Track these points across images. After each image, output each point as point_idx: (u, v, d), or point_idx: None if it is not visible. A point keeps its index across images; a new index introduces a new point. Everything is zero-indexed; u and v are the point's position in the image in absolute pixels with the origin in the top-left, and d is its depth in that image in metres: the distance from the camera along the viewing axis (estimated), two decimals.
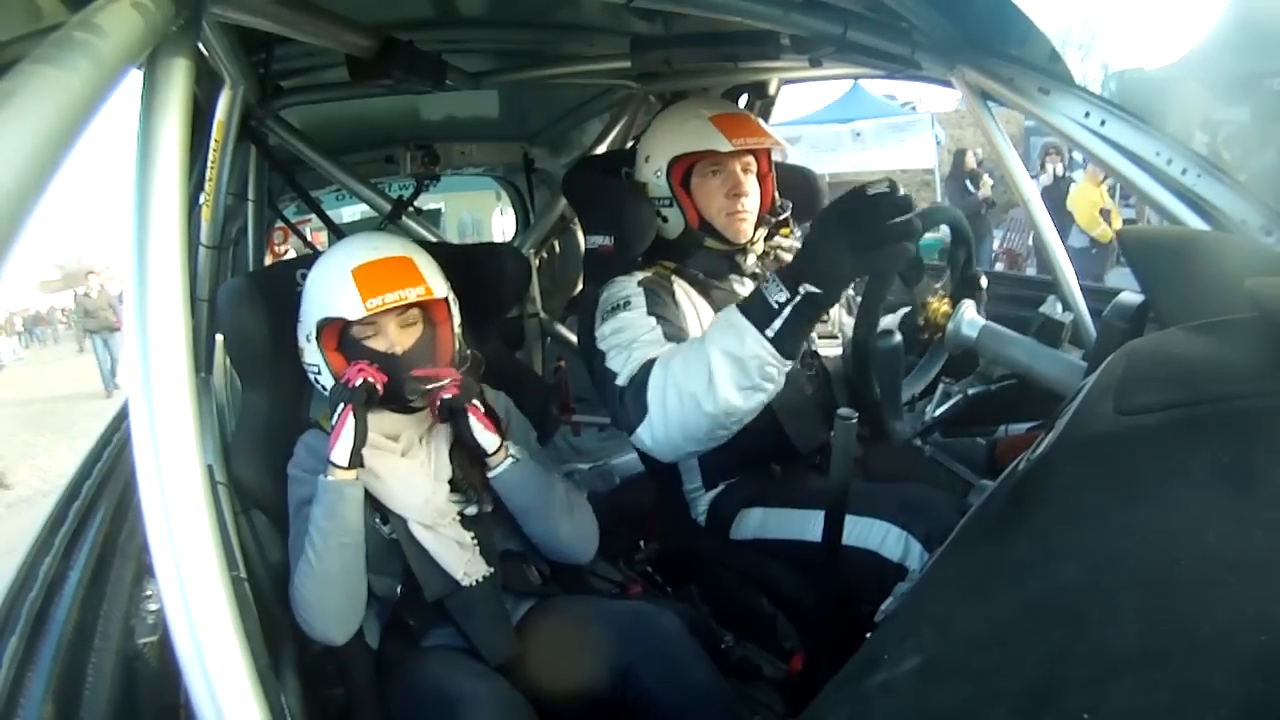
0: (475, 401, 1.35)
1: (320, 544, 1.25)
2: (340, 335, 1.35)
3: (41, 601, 1.01)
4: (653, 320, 1.42)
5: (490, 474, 1.37)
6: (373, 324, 1.33)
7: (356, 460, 1.26)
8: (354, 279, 1.29)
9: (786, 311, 1.15)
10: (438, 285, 1.34)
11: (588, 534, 1.46)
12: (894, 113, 12.38)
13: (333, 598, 1.28)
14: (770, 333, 1.16)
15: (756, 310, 1.17)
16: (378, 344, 1.33)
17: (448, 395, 1.32)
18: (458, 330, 1.40)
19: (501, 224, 6.34)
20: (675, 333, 1.42)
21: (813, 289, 1.12)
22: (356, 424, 1.25)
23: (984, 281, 1.43)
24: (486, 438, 1.35)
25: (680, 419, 1.23)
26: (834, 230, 1.11)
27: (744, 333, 1.17)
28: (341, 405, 1.26)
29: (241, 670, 0.56)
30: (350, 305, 1.27)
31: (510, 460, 1.37)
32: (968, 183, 8.21)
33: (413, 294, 1.29)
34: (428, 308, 1.38)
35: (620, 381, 1.32)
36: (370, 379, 1.28)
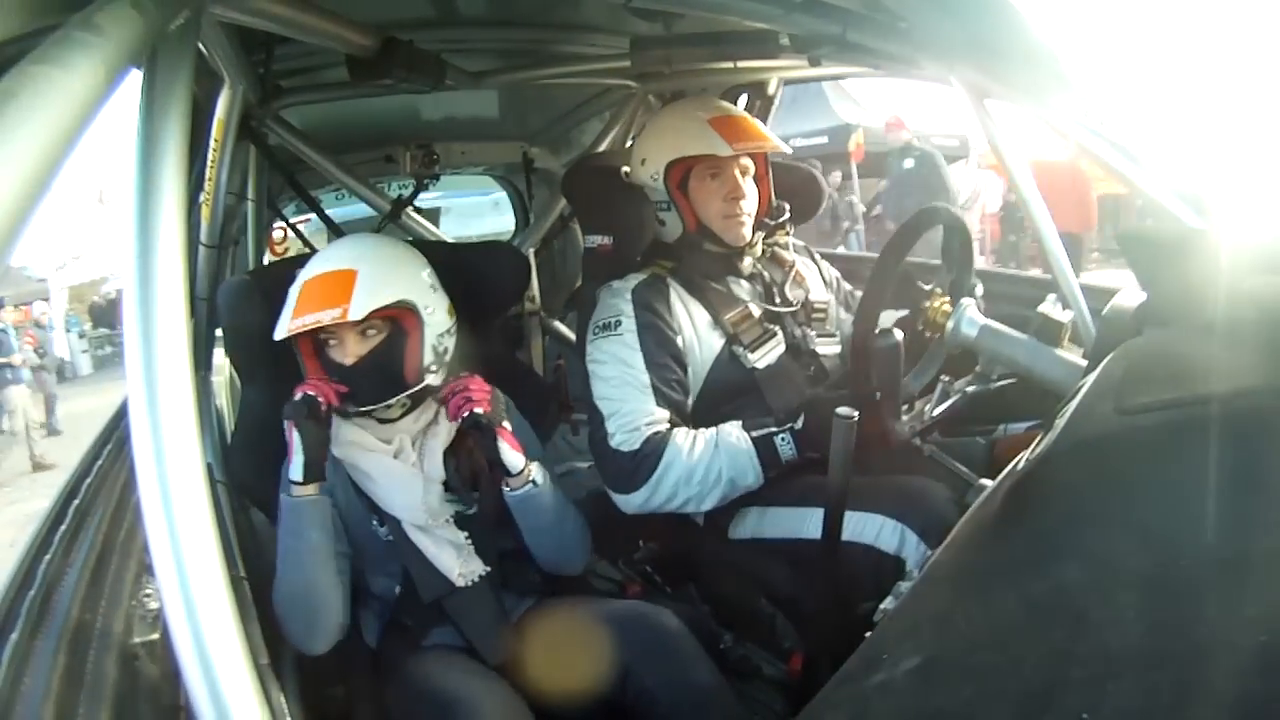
0: (506, 423, 1.31)
1: (288, 559, 1.25)
2: (314, 342, 1.34)
3: (41, 600, 1.01)
4: (641, 360, 1.48)
5: (509, 493, 1.33)
6: (334, 333, 1.30)
7: (313, 474, 1.24)
8: (296, 295, 1.29)
9: (788, 466, 1.41)
10: (367, 303, 1.25)
11: (584, 548, 1.46)
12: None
13: (303, 611, 1.26)
14: (771, 474, 1.42)
15: (767, 455, 1.40)
16: (336, 353, 1.31)
17: (479, 409, 1.29)
18: (434, 342, 1.33)
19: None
20: (666, 376, 1.49)
21: (815, 455, 1.33)
22: (302, 439, 1.22)
23: (979, 290, 1.44)
24: (513, 458, 1.31)
25: (671, 505, 1.44)
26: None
27: (753, 469, 1.41)
28: (286, 422, 1.24)
29: (241, 670, 0.56)
30: (283, 323, 1.27)
31: (531, 485, 1.33)
32: None
33: (327, 317, 1.23)
34: (396, 317, 1.32)
35: (617, 445, 1.45)
36: (312, 393, 1.24)
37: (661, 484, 1.42)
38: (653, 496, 1.43)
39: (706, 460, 1.41)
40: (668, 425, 1.46)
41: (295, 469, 1.24)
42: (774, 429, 1.40)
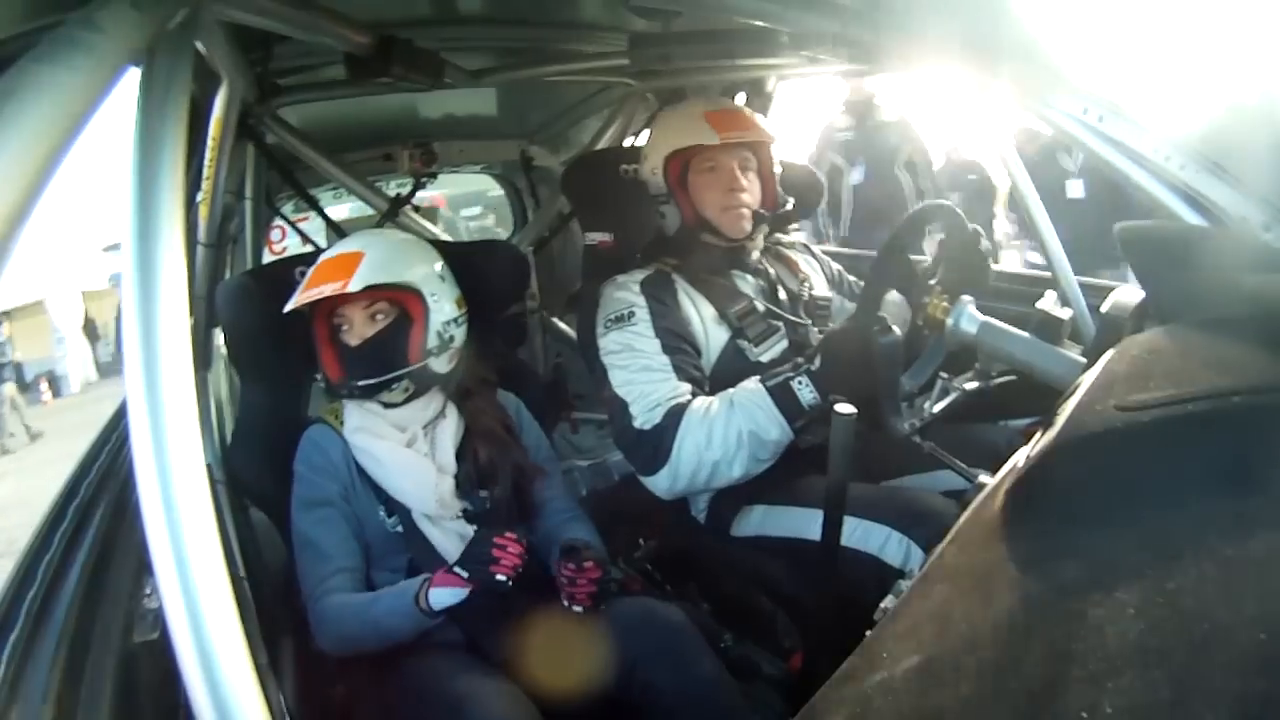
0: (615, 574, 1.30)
1: (382, 633, 1.27)
2: (329, 328, 1.38)
3: (41, 600, 1.01)
4: (658, 345, 1.47)
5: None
6: (343, 315, 1.35)
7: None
8: (308, 276, 1.34)
9: (814, 411, 1.34)
10: (368, 277, 1.31)
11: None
12: None
13: (362, 645, 1.29)
14: (797, 426, 1.36)
15: (787, 403, 1.34)
16: (346, 336, 1.36)
17: (579, 608, 1.27)
18: (439, 328, 1.37)
19: None
20: (683, 359, 1.47)
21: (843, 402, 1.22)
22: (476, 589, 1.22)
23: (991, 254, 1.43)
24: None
25: (700, 478, 1.39)
26: (855, 354, 1.25)
27: (775, 421, 1.35)
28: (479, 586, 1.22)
29: (242, 669, 0.56)
30: (293, 300, 1.33)
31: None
32: None
33: (329, 289, 1.29)
34: (401, 301, 1.36)
35: (640, 425, 1.41)
36: (506, 575, 1.21)
37: (682, 454, 1.37)
38: (679, 471, 1.38)
39: (723, 419, 1.36)
40: (689, 398, 1.43)
41: (444, 601, 1.22)
42: (789, 373, 1.35)
